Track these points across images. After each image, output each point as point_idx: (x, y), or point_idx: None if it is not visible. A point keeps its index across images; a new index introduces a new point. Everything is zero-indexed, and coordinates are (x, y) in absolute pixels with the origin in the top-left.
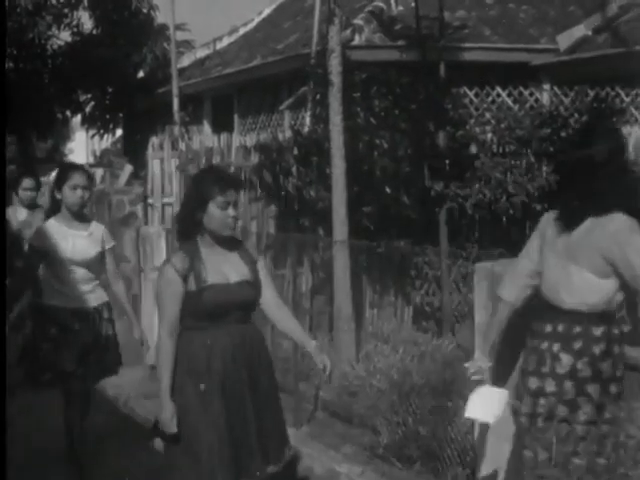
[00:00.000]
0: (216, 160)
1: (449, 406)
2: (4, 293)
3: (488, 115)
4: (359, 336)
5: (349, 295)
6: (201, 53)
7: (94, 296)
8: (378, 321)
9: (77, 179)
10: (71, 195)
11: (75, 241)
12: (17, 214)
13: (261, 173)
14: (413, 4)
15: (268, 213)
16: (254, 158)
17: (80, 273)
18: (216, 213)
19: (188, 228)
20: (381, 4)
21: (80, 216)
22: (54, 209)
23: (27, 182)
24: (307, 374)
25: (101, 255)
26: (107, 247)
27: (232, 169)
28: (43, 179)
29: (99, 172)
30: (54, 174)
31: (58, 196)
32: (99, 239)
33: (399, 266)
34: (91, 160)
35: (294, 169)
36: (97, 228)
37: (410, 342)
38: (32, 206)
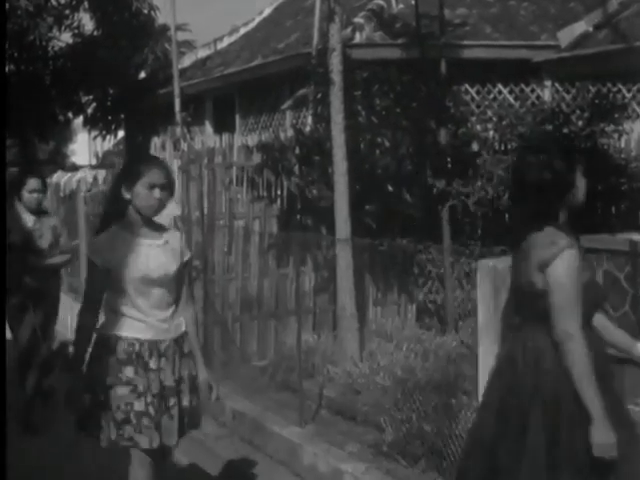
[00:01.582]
0: (218, 160)
1: (453, 403)
2: (4, 294)
3: (490, 112)
4: (362, 334)
5: (352, 293)
6: (202, 53)
7: (174, 324)
8: (381, 319)
9: (155, 177)
10: (147, 197)
11: (150, 253)
12: (22, 221)
13: (263, 173)
14: (413, 2)
15: (270, 212)
16: (256, 158)
17: (157, 295)
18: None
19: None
20: (381, 2)
21: (152, 222)
22: (117, 213)
23: (33, 183)
24: (311, 372)
25: (180, 271)
26: (185, 259)
27: (234, 169)
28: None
29: (101, 173)
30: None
31: (127, 196)
32: (177, 250)
33: (402, 264)
34: (93, 161)
35: (296, 168)
36: (174, 237)
37: (414, 340)
38: (38, 211)
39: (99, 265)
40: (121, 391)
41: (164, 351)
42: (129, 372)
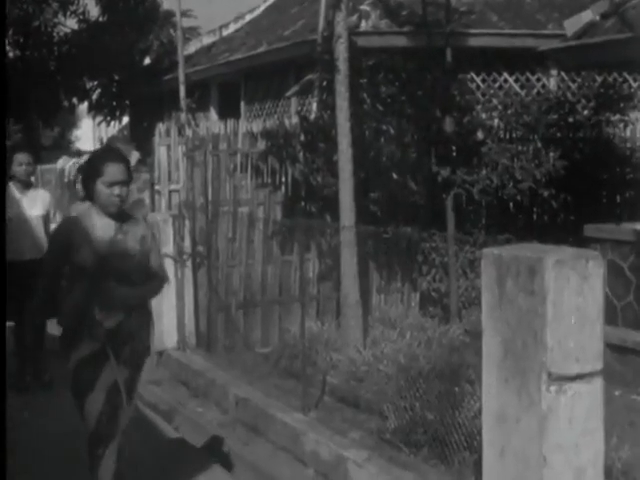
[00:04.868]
0: (223, 146)
1: (456, 391)
2: (4, 293)
3: (495, 101)
4: (366, 322)
5: (356, 281)
6: (207, 40)
7: None
8: (385, 307)
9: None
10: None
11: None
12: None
13: (268, 159)
14: None
15: (275, 199)
16: (260, 144)
17: None
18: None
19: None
20: None
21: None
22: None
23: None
24: (314, 359)
25: None
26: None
27: (239, 155)
28: (50, 166)
29: None
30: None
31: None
32: None
33: (406, 252)
34: (98, 147)
35: (301, 155)
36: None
37: (417, 327)
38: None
39: None
40: None
41: None
42: None
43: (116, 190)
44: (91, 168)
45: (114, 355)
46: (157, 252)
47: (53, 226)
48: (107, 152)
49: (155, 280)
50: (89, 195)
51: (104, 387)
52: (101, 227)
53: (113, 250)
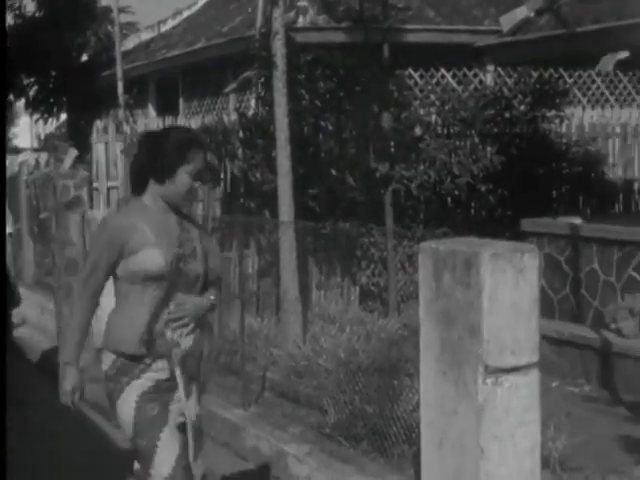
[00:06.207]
0: None
1: (395, 384)
2: (4, 292)
3: (432, 97)
4: (306, 317)
5: (295, 276)
6: (145, 36)
7: None
8: (325, 302)
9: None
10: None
11: None
12: None
13: (206, 156)
14: None
15: (214, 196)
16: None
17: None
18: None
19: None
20: None
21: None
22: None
23: None
24: (254, 355)
25: None
26: None
27: None
28: None
29: (43, 156)
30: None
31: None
32: None
33: (345, 247)
34: (35, 144)
35: (239, 152)
36: None
37: (356, 322)
38: None
39: None
40: None
41: None
42: None
43: (197, 181)
44: (174, 153)
45: (185, 384)
46: (216, 252)
47: None
48: (190, 134)
49: (217, 286)
50: (159, 182)
51: (174, 429)
52: (165, 225)
53: (182, 252)
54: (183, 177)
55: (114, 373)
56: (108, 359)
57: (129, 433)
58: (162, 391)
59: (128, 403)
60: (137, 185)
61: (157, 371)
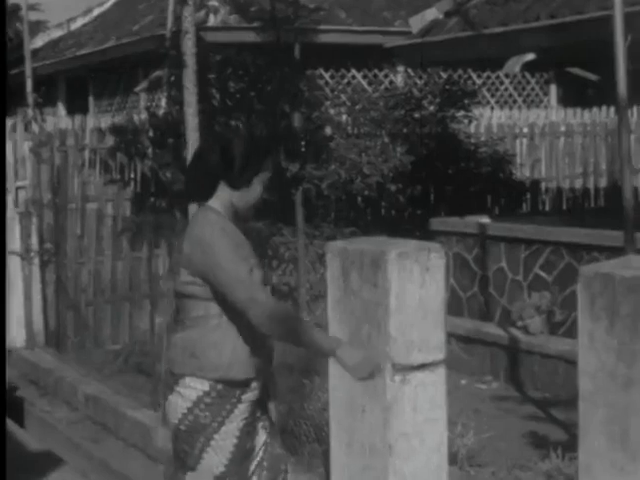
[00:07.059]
0: (70, 142)
1: (305, 384)
2: (4, 291)
3: (343, 97)
4: None
5: None
6: (55, 34)
7: None
8: None
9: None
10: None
11: None
12: None
13: (116, 155)
14: None
15: (124, 195)
16: (109, 140)
17: None
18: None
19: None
20: None
21: None
22: None
23: None
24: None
25: None
26: None
27: (87, 151)
28: None
29: None
30: None
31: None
32: None
33: (256, 247)
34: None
35: (150, 151)
36: None
37: None
38: None
39: None
40: None
41: None
42: None
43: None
44: (254, 158)
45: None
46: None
47: None
48: (264, 142)
49: None
50: (235, 188)
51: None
52: (240, 235)
53: (256, 262)
54: (258, 185)
55: (209, 402)
56: (198, 386)
57: (217, 471)
58: (254, 413)
59: (229, 437)
60: (199, 191)
61: (254, 390)
